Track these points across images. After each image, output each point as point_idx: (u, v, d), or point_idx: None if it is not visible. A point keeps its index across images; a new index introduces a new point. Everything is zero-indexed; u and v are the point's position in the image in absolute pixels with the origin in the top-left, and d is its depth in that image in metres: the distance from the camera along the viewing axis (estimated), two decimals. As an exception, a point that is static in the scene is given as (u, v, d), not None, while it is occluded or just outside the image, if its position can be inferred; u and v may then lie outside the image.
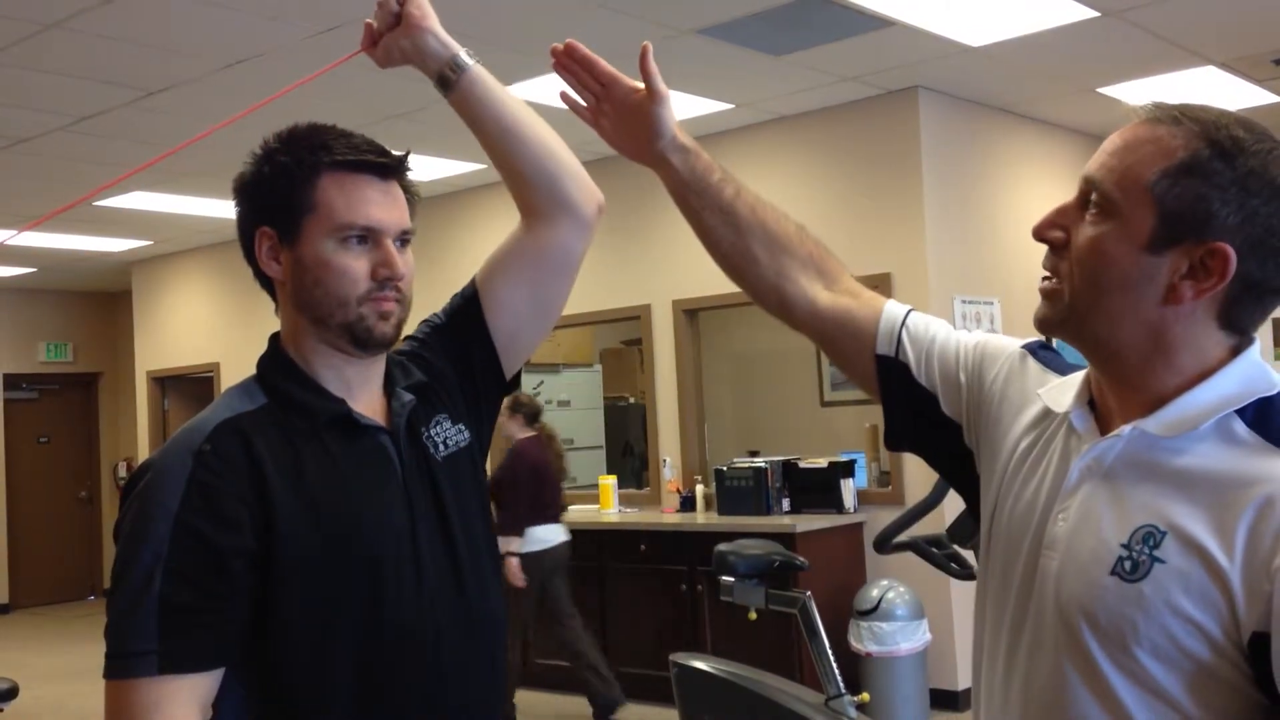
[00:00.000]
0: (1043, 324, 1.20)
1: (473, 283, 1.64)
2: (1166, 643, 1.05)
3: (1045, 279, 1.20)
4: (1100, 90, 6.15)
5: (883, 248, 6.11)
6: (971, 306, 6.19)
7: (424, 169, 7.01)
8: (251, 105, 1.61)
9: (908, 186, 6.04)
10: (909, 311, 1.42)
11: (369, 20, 1.52)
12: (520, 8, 4.59)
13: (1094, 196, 1.15)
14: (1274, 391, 1.11)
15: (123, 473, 11.71)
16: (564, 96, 1.54)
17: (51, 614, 10.98)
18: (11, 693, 5.18)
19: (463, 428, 1.56)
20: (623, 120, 1.50)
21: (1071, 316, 1.17)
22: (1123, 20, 5.04)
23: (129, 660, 1.30)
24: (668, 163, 1.48)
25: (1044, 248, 1.21)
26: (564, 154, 1.61)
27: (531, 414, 6.03)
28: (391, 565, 1.41)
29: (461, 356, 1.60)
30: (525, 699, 6.37)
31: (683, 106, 6.05)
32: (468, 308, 1.62)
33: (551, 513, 5.89)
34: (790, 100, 6.14)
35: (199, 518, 1.32)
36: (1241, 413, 1.10)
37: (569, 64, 1.51)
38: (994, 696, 1.22)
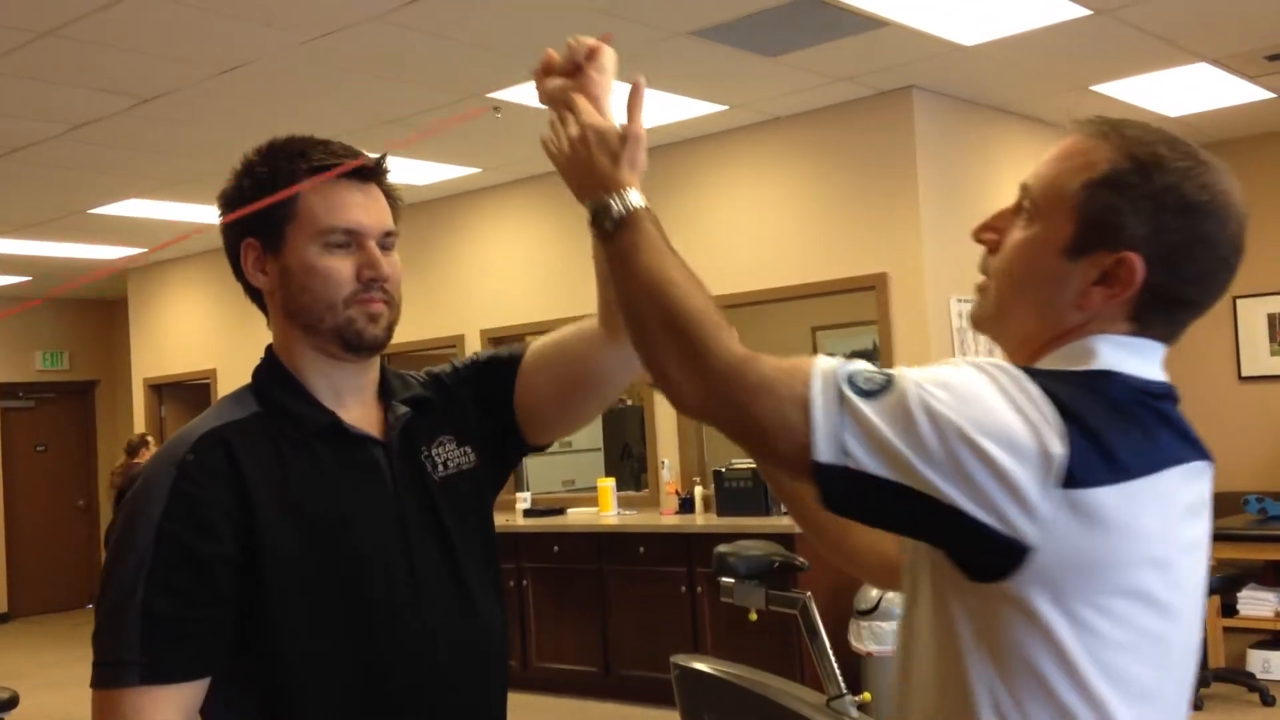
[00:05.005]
0: (974, 320, 1.29)
1: (524, 347, 1.62)
2: None
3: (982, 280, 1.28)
4: (1094, 88, 6.16)
5: (878, 248, 6.11)
6: (967, 305, 6.16)
7: (419, 173, 7.01)
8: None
9: (903, 186, 6.05)
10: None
11: (550, 50, 1.39)
12: (513, 12, 4.59)
13: (1026, 202, 1.23)
14: (1079, 368, 1.16)
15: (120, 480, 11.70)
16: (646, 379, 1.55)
17: (51, 622, 10.97)
18: (12, 702, 5.18)
19: (469, 450, 1.56)
20: None
21: (994, 315, 1.25)
22: (1115, 18, 5.05)
23: (113, 669, 1.31)
24: None
25: None
26: None
27: None
28: (381, 574, 1.41)
29: (486, 400, 1.60)
30: (522, 701, 6.37)
31: (676, 109, 6.05)
32: (506, 366, 1.61)
33: None
34: (784, 101, 6.15)
35: (181, 527, 1.33)
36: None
37: None
38: None
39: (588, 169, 1.29)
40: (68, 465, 11.86)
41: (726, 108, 6.17)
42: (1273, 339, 7.38)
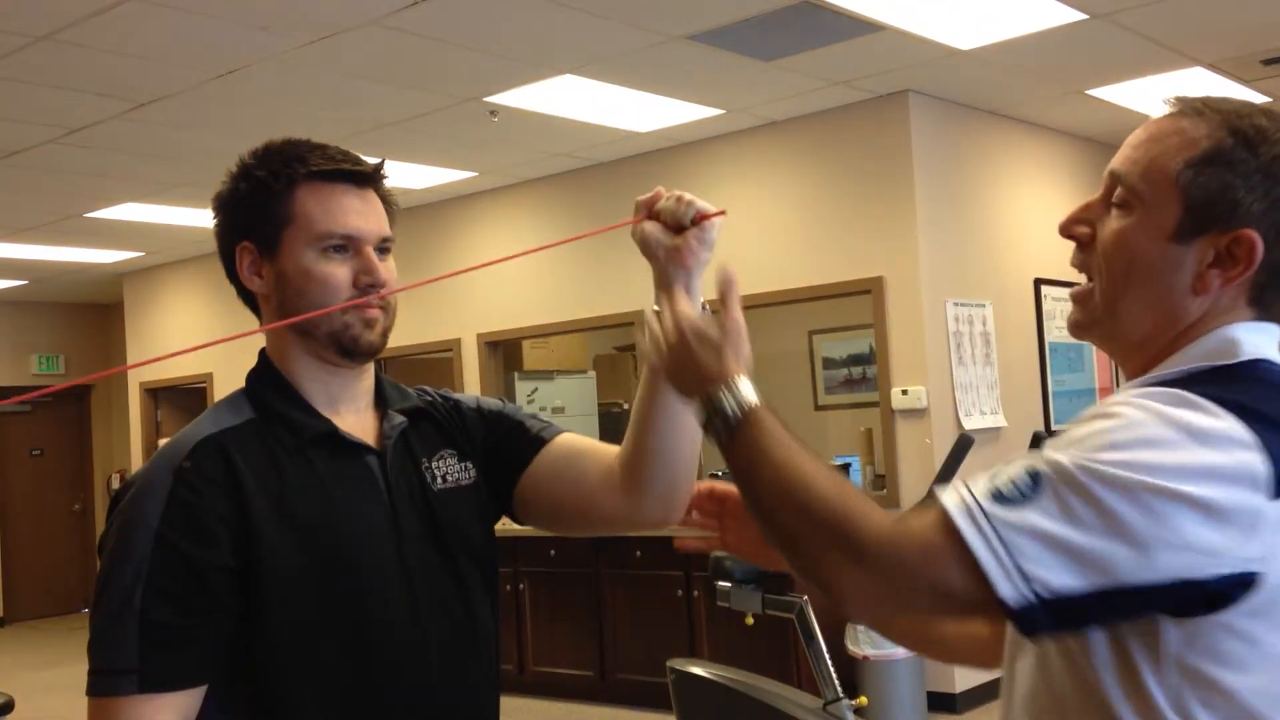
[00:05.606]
0: (1075, 328, 1.20)
1: (554, 433, 1.60)
2: None
3: (1080, 283, 1.19)
4: (1089, 92, 6.17)
5: (875, 252, 6.12)
6: (964, 309, 6.20)
7: (416, 177, 7.00)
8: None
9: (899, 190, 6.06)
10: None
11: (661, 190, 1.37)
12: (511, 15, 4.59)
13: (1119, 190, 1.15)
14: (1227, 361, 1.09)
15: (116, 484, 11.68)
16: (683, 545, 1.51)
17: (47, 627, 10.95)
18: (8, 707, 5.16)
19: (469, 466, 1.55)
20: (746, 528, 1.47)
21: (1104, 316, 1.16)
22: (1111, 22, 5.06)
23: (110, 678, 1.30)
24: None
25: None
26: (688, 474, 1.52)
27: None
28: (377, 582, 1.41)
29: (495, 453, 1.59)
30: (519, 706, 6.37)
31: (673, 113, 6.06)
32: (530, 443, 1.58)
33: None
34: (781, 105, 6.15)
35: (179, 535, 1.32)
36: (1187, 383, 1.06)
37: (703, 505, 1.50)
38: None
39: (691, 368, 1.22)
40: (63, 470, 11.85)
41: (723, 112, 6.17)
42: None
